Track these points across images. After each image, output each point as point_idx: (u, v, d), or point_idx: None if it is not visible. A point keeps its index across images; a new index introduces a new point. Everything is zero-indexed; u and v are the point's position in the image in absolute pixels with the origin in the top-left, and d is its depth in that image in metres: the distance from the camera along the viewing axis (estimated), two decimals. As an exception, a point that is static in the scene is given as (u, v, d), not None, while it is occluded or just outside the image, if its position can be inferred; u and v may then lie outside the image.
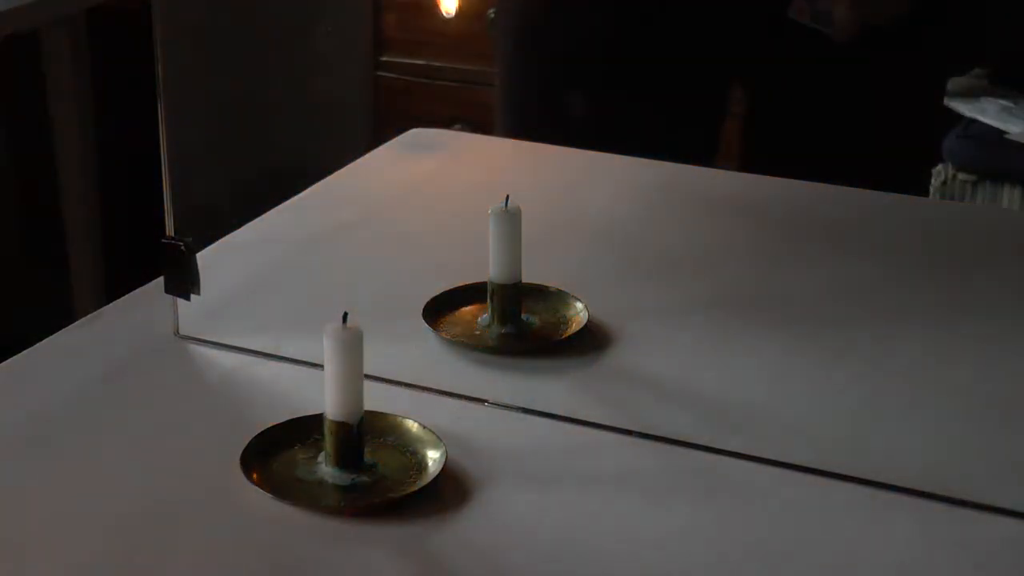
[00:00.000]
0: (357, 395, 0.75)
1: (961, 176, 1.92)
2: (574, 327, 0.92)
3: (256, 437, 0.78)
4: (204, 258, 0.92)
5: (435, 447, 0.78)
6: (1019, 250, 1.09)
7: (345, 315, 0.74)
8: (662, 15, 1.23)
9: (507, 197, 0.90)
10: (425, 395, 0.86)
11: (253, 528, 0.73)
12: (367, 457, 0.77)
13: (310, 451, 0.78)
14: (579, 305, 0.94)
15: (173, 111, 0.91)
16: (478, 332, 0.92)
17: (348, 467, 0.76)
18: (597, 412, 0.84)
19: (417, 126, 1.31)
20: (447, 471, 0.77)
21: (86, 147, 2.27)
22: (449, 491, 0.76)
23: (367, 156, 1.24)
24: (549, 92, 1.29)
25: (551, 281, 0.97)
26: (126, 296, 0.99)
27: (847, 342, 0.93)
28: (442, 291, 0.96)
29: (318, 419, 0.77)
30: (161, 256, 0.92)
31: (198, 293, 0.92)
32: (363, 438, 0.76)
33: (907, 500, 0.76)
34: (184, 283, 0.92)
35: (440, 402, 0.85)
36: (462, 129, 1.55)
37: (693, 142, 1.29)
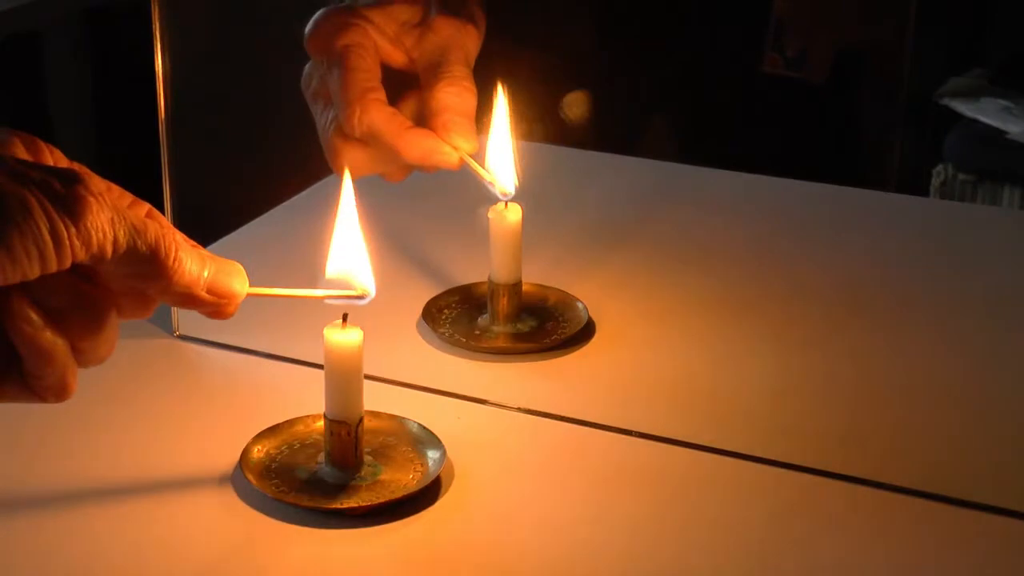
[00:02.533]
0: (357, 395, 0.75)
1: (961, 176, 1.92)
2: (574, 327, 0.92)
3: (256, 437, 0.78)
4: (204, 258, 0.92)
5: (435, 447, 0.78)
6: (1019, 250, 1.09)
7: (345, 315, 0.74)
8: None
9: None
10: (425, 395, 0.86)
11: (253, 528, 0.73)
12: (367, 457, 0.77)
13: (310, 451, 0.78)
14: (579, 305, 0.94)
15: (173, 111, 0.91)
16: (478, 332, 0.92)
17: (348, 467, 0.76)
18: (597, 412, 0.84)
19: (417, 126, 1.31)
20: (447, 471, 0.77)
21: (86, 147, 2.27)
22: (449, 491, 0.76)
23: (367, 156, 1.24)
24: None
25: (551, 281, 0.97)
26: (126, 296, 0.99)
27: (847, 342, 0.93)
28: (442, 291, 0.96)
29: (318, 419, 0.77)
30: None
31: (198, 293, 0.92)
32: (363, 438, 0.76)
33: (907, 500, 0.76)
34: (184, 283, 0.91)
35: (440, 402, 0.85)
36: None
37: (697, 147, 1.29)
